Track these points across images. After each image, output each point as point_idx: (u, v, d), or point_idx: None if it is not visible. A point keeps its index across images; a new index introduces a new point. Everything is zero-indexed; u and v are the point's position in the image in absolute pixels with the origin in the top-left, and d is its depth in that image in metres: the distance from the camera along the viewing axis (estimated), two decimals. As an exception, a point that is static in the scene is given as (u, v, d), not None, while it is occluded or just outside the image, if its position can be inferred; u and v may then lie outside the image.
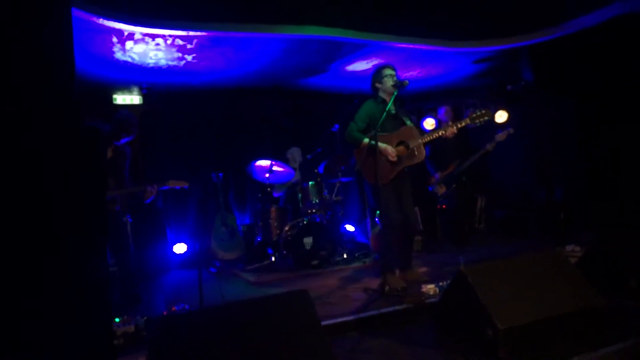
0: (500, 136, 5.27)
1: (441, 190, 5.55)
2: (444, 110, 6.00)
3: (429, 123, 6.35)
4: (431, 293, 3.31)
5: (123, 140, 3.78)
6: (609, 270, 3.06)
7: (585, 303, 2.54)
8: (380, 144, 3.66)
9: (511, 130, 5.25)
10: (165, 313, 3.23)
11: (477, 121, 3.77)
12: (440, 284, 3.41)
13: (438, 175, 5.54)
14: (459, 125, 3.77)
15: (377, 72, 3.90)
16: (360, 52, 4.82)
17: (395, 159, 3.69)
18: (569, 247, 4.23)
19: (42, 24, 1.60)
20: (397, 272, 3.83)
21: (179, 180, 3.93)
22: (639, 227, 3.44)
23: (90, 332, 1.83)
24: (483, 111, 3.76)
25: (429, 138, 3.75)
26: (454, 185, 5.53)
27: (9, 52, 1.53)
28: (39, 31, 1.59)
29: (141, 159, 5.48)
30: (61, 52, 1.70)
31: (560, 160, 5.96)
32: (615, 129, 5.07)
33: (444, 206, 5.72)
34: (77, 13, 3.33)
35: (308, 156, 5.78)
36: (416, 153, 3.74)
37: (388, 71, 3.81)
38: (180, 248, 5.61)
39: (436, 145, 5.25)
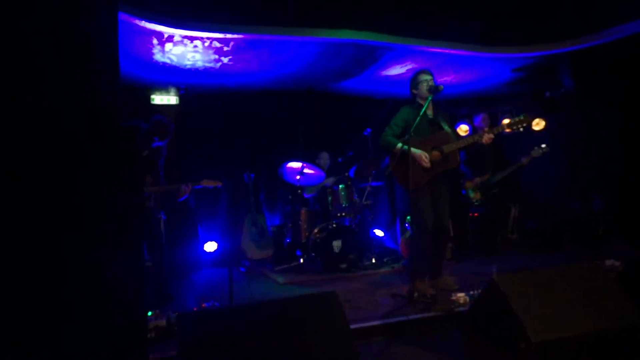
0: (536, 152, 5.24)
1: (476, 196, 5.46)
2: (481, 118, 5.90)
3: (462, 129, 6.25)
4: (461, 302, 3.25)
5: (155, 144, 3.88)
6: (650, 287, 2.92)
7: (624, 320, 2.43)
8: (414, 150, 3.63)
9: (546, 149, 5.20)
10: (195, 309, 3.30)
11: (514, 127, 3.68)
12: (471, 293, 3.34)
13: (475, 180, 5.46)
14: (496, 132, 3.70)
15: (413, 77, 3.88)
16: (393, 55, 4.80)
17: (428, 165, 3.66)
18: (608, 262, 4.07)
19: (91, 25, 1.68)
20: (427, 279, 3.78)
21: (213, 180, 4.02)
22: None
23: (125, 323, 1.89)
24: (521, 117, 3.65)
25: (464, 144, 3.70)
26: (489, 193, 5.44)
27: (61, 49, 1.61)
28: (89, 32, 1.67)
29: (175, 158, 5.62)
30: (108, 52, 1.78)
31: (598, 170, 5.75)
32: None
33: (475, 214, 5.61)
34: (119, 15, 3.46)
35: (339, 159, 5.79)
36: (450, 159, 3.70)
37: (424, 76, 3.78)
38: (211, 246, 5.71)
39: (472, 151, 5.17)
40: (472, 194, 5.48)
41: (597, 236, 5.48)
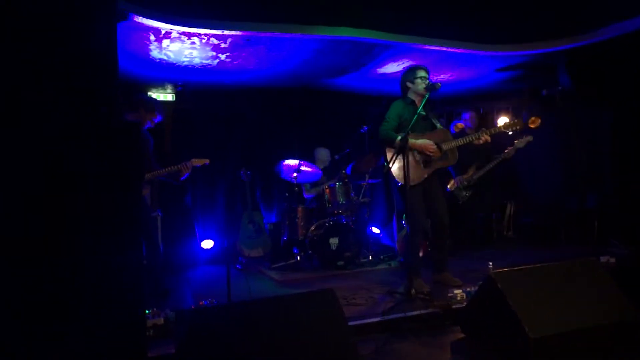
0: (519, 143, 5.21)
1: (460, 194, 5.47)
2: (469, 116, 5.93)
3: (459, 127, 6.28)
4: (458, 298, 3.27)
5: (147, 125, 3.89)
6: (645, 283, 2.96)
7: (620, 316, 2.46)
8: (418, 141, 3.65)
9: (530, 138, 5.18)
10: (193, 307, 3.30)
11: (509, 129, 3.79)
12: (468, 289, 3.36)
13: (458, 179, 5.47)
14: (493, 132, 3.76)
15: (409, 71, 3.85)
16: (390, 53, 4.80)
17: (435, 153, 3.68)
18: (603, 258, 4.10)
19: (92, 24, 1.67)
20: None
21: (201, 159, 4.11)
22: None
23: (125, 321, 1.89)
24: (516, 121, 3.82)
25: (462, 142, 3.74)
26: (467, 194, 5.45)
27: (62, 50, 1.60)
28: (89, 31, 1.66)
29: (173, 155, 5.60)
30: (107, 50, 1.77)
31: (593, 168, 5.79)
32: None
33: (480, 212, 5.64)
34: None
35: (336, 157, 5.80)
36: (449, 156, 3.72)
37: (421, 73, 3.77)
38: (207, 244, 5.71)
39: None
40: (455, 192, 5.49)
41: (592, 234, 5.51)
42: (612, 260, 4.03)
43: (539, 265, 2.69)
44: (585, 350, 2.32)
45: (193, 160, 4.04)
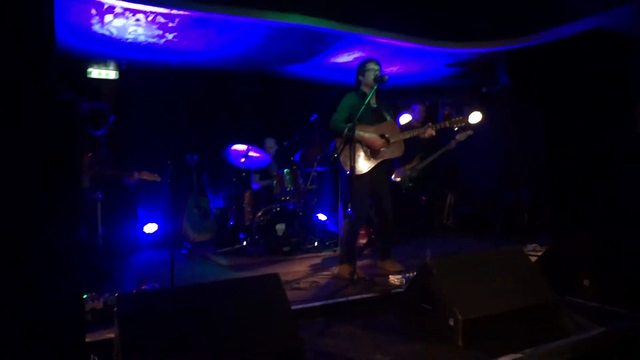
0: (461, 136, 5.47)
1: (403, 181, 5.69)
2: (417, 109, 6.14)
3: (406, 119, 6.48)
4: (397, 283, 3.43)
5: (89, 131, 3.77)
6: (565, 270, 3.23)
7: (541, 299, 2.70)
8: (366, 134, 3.76)
9: (470, 132, 5.44)
10: (135, 291, 3.23)
11: (454, 125, 3.97)
12: (407, 275, 3.52)
13: (402, 169, 5.68)
14: (439, 127, 3.94)
15: (361, 65, 3.97)
16: (343, 44, 4.86)
17: (382, 146, 3.79)
18: (530, 246, 4.42)
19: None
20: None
21: (152, 174, 4.19)
22: (595, 230, 3.66)
23: (61, 305, 1.83)
24: (461, 117, 4.00)
25: (408, 135, 3.89)
26: (410, 184, 5.67)
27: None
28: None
29: (116, 135, 5.37)
30: (41, 18, 1.67)
31: (527, 163, 6.18)
32: (579, 137, 5.31)
33: (423, 198, 5.86)
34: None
35: (285, 143, 5.81)
36: (395, 148, 3.85)
37: (371, 65, 3.88)
38: (151, 228, 5.56)
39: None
40: (400, 182, 5.70)
41: (524, 224, 5.90)
42: (538, 248, 4.37)
43: (470, 252, 2.88)
44: (510, 330, 2.52)
45: (143, 172, 4.01)
